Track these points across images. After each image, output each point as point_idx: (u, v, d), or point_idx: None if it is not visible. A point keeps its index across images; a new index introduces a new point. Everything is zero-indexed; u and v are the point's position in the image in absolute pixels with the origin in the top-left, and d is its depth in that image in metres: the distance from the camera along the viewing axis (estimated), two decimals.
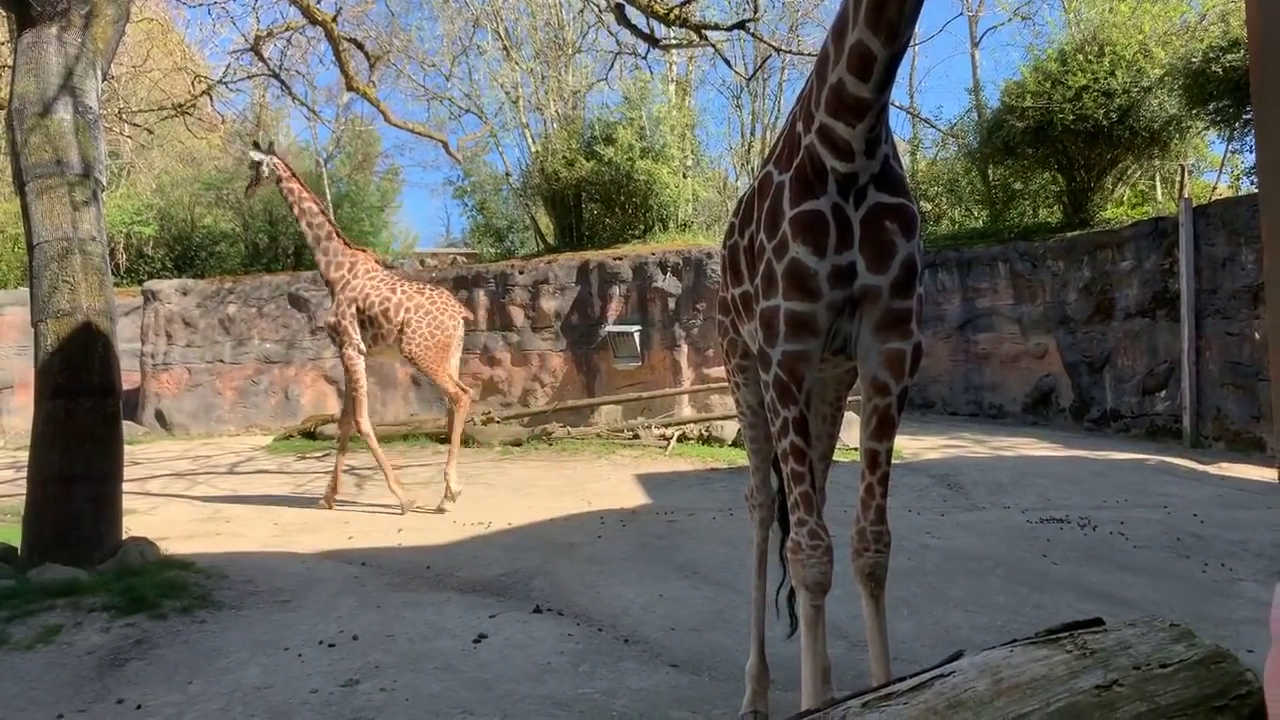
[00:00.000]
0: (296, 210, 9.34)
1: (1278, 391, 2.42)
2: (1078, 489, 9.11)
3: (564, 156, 18.14)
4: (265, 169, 9.40)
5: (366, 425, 9.16)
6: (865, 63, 2.51)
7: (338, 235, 9.32)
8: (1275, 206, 2.39)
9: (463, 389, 9.27)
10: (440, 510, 8.81)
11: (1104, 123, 14.96)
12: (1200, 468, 10.18)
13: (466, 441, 13.33)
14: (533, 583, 6.01)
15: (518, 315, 15.78)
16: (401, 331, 8.92)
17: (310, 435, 14.43)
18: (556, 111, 20.52)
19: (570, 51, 20.95)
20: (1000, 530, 7.29)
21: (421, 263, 19.25)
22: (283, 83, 14.32)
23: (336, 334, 9.14)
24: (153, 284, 17.77)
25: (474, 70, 23.58)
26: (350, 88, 12.75)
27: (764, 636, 3.75)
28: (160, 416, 17.03)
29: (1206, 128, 15.60)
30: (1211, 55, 13.32)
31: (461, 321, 9.29)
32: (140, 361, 17.01)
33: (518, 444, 13.23)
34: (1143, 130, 15.08)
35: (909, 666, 3.78)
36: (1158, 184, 18.12)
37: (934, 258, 16.93)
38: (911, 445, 12.01)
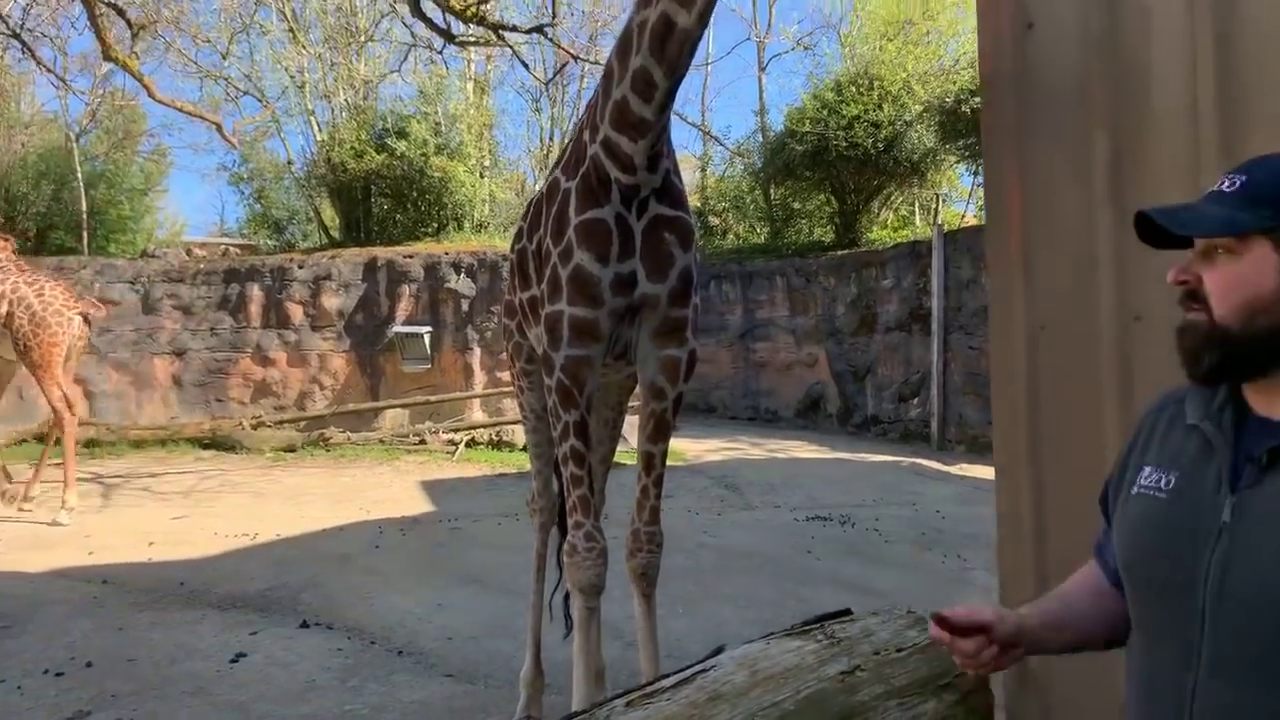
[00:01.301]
0: None
1: (997, 400, 2.72)
2: (840, 489, 9.83)
3: (353, 147, 17.34)
4: None
5: None
6: (648, 86, 2.58)
7: None
8: (996, 236, 2.69)
9: (70, 406, 8.49)
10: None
11: (872, 151, 16.26)
12: (944, 468, 11.30)
13: (232, 448, 12.41)
14: (301, 596, 5.66)
15: (296, 313, 14.84)
16: (6, 325, 8.24)
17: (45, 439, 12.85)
18: (346, 100, 19.58)
19: (362, 39, 20.06)
20: (771, 528, 7.73)
21: (188, 252, 17.69)
22: (25, 45, 12.70)
23: None
24: None
25: (255, 50, 21.96)
26: (108, 57, 11.53)
27: (540, 641, 3.75)
28: None
29: (958, 161, 17.38)
30: (962, 96, 14.87)
31: (76, 319, 8.49)
32: None
33: (291, 450, 12.45)
34: (904, 160, 16.55)
35: (682, 663, 3.90)
36: (916, 210, 19.98)
37: (719, 270, 17.72)
38: (694, 448, 12.48)
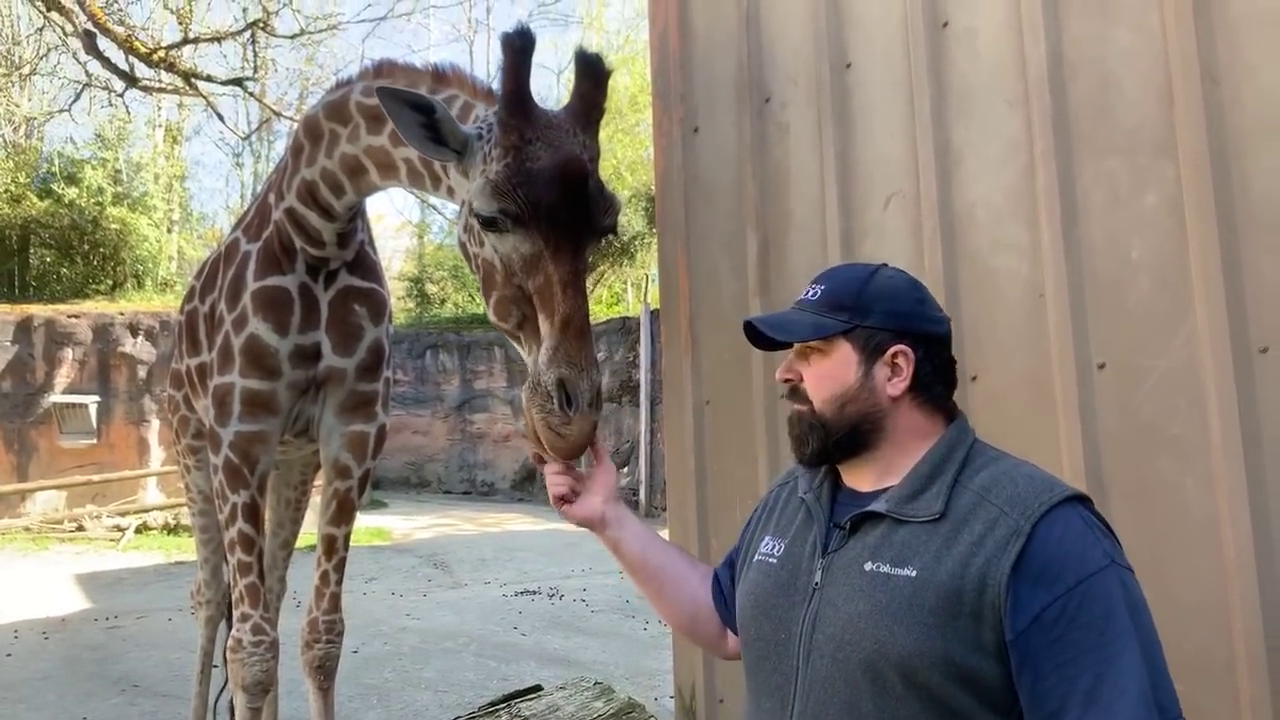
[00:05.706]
0: None
1: (670, 471, 2.90)
2: (551, 560, 9.88)
3: (8, 191, 15.21)
4: None
5: None
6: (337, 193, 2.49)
7: None
8: (668, 320, 2.89)
9: None
10: None
11: None
12: None
13: None
14: None
15: None
16: None
17: None
18: (3, 137, 17.17)
19: (26, 71, 17.77)
20: (478, 606, 7.56)
21: None
22: None
23: None
24: None
25: None
26: None
27: None
28: None
29: None
30: None
31: None
32: None
33: None
34: (616, 241, 17.45)
35: None
36: (629, 288, 21.05)
37: (436, 340, 17.48)
38: (404, 526, 11.99)
